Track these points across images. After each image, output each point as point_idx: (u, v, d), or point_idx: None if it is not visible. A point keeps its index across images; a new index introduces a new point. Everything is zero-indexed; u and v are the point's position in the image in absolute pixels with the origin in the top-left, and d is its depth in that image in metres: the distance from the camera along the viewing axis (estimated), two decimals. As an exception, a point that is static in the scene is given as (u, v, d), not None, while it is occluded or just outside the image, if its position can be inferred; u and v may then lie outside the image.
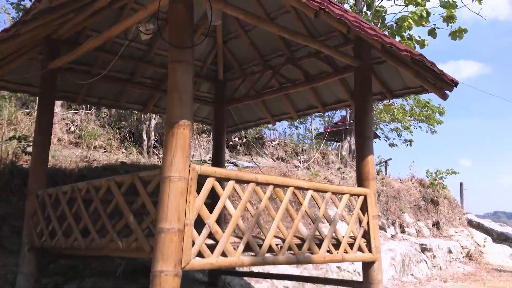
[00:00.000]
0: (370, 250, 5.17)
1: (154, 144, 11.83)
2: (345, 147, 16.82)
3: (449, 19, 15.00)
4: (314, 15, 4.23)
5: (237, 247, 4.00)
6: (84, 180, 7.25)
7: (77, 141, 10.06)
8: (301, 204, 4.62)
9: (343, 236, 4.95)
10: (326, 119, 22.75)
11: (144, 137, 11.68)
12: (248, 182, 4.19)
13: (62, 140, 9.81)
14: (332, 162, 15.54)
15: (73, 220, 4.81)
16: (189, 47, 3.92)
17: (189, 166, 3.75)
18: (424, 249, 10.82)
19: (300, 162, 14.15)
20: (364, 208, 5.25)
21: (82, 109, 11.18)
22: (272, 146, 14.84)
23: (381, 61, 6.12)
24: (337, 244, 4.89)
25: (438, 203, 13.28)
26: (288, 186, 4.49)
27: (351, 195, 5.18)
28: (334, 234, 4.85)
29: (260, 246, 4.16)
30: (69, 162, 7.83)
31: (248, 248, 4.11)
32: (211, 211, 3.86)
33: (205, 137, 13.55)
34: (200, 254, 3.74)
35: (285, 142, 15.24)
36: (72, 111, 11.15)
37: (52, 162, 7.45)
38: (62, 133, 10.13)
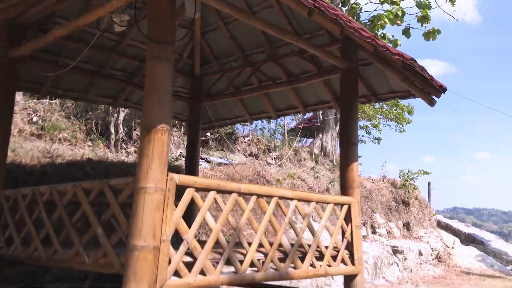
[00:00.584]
0: (353, 263, 4.93)
1: (122, 137, 11.29)
2: (317, 144, 16.66)
3: (424, 19, 14.99)
4: (307, 13, 3.90)
5: (217, 263, 3.67)
6: (46, 178, 6.80)
7: (40, 132, 9.44)
8: (285, 215, 4.32)
9: (327, 248, 4.69)
10: (298, 115, 22.60)
11: (112, 130, 11.13)
12: (230, 192, 3.85)
13: (23, 131, 9.17)
14: (304, 160, 15.38)
15: (33, 227, 4.35)
16: (170, 43, 3.53)
17: (167, 176, 3.38)
18: (395, 251, 10.77)
19: (272, 159, 13.90)
20: (347, 218, 5.00)
21: (46, 98, 10.51)
22: (245, 142, 14.52)
23: (367, 63, 5.87)
24: (320, 257, 4.63)
25: (409, 204, 13.29)
26: (272, 196, 4.18)
27: (335, 204, 4.92)
28: (317, 246, 4.59)
29: (241, 262, 3.84)
30: (30, 157, 7.27)
31: (228, 261, 3.79)
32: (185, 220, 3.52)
33: (175, 131, 13.08)
34: (176, 273, 3.39)
35: (257, 138, 14.95)
36: (35, 99, 10.47)
37: (12, 157, 6.88)
38: (23, 123, 9.48)
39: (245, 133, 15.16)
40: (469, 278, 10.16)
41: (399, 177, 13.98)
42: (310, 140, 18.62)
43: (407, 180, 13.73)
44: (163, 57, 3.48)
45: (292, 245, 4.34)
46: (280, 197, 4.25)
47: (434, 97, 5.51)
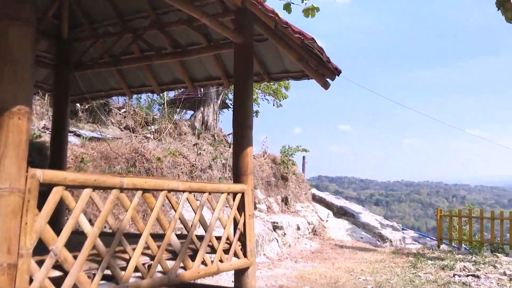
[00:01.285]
0: (245, 255, 4.61)
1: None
2: (198, 117, 16.14)
3: (305, -4, 15.16)
4: (207, -23, 3.32)
5: (94, 275, 3.03)
6: None
7: None
8: (175, 210, 3.79)
9: (219, 241, 4.28)
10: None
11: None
12: (110, 188, 3.19)
13: None
14: (185, 134, 14.78)
15: None
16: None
17: (27, 172, 2.63)
18: (275, 227, 10.87)
19: (151, 133, 13.06)
20: (241, 207, 4.64)
21: None
22: (120, 114, 13.41)
23: (260, 39, 5.47)
24: (212, 252, 4.22)
25: (288, 179, 13.54)
26: (160, 190, 3.61)
27: (229, 193, 4.51)
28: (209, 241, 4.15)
29: (124, 268, 3.25)
30: None
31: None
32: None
33: (38, 99, 11.50)
34: (41, 294, 2.69)
35: (134, 110, 13.91)
36: None
37: None
38: None
39: (120, 104, 14.00)
40: (343, 251, 10.67)
41: (280, 153, 14.14)
42: (190, 112, 18.01)
43: (286, 156, 13.96)
44: (20, 18, 2.65)
45: (184, 237, 3.85)
46: (170, 190, 3.70)
47: (328, 79, 5.34)
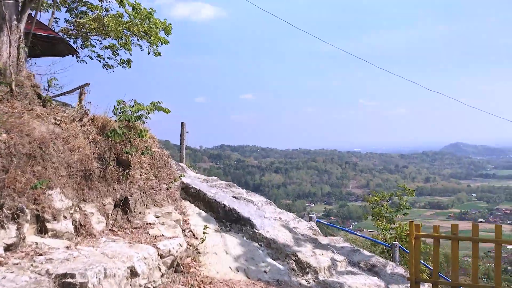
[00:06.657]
0: None
1: None
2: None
3: None
4: None
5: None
6: None
7: None
8: None
9: None
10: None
11: None
12: None
13: None
14: None
15: None
16: None
17: None
18: (66, 286, 4.57)
19: None
20: None
21: None
22: None
23: None
24: None
25: (129, 164, 7.17)
26: None
27: None
28: None
29: None
30: None
31: None
32: None
33: None
34: None
35: None
36: None
37: None
38: None
39: None
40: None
41: (114, 114, 7.55)
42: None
43: (129, 120, 7.43)
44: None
45: None
46: None
47: None
